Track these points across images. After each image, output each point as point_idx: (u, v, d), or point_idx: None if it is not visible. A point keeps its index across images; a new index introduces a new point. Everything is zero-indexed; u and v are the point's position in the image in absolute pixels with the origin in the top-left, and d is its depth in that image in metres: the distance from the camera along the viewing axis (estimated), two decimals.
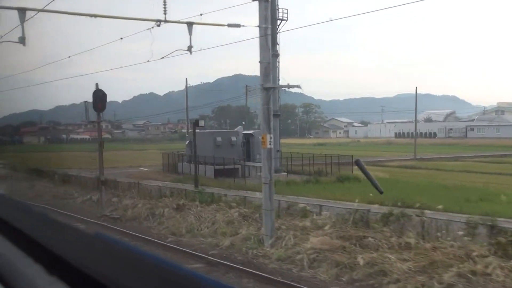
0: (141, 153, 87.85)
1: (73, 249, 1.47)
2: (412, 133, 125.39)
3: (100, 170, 26.60)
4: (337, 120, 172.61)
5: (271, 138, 17.12)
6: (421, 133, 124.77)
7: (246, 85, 66.94)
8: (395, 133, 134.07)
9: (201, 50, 20.22)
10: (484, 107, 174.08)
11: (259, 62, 17.24)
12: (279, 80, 38.51)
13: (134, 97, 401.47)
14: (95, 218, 24.58)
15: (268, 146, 17.07)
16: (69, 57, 32.17)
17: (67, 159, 61.33)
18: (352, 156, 40.70)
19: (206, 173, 42.00)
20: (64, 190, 34.23)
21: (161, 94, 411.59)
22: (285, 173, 41.03)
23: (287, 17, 41.57)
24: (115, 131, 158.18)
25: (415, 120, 79.55)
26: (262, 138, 17.29)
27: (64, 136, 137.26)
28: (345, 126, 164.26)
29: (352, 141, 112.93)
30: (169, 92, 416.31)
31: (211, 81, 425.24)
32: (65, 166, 48.82)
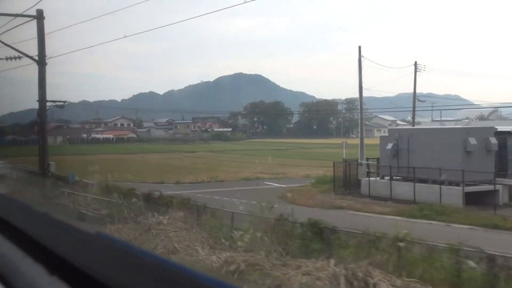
0: (199, 155, 73.60)
1: (74, 249, 1.47)
2: None
3: None
4: (380, 117, 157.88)
5: None
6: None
7: (416, 61, 50.95)
8: None
9: None
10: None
11: None
12: None
13: (134, 96, 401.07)
14: None
15: None
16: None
17: (136, 166, 51.05)
18: None
19: (444, 198, 27.00)
20: None
21: (161, 93, 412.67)
22: None
23: None
24: (139, 130, 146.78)
25: None
26: None
27: (85, 135, 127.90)
28: (389, 124, 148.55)
29: None
30: (169, 91, 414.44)
31: (212, 80, 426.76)
32: (151, 178, 37.60)
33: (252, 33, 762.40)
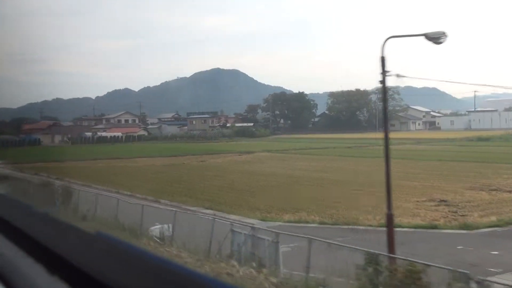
0: (269, 158, 54.12)
1: (74, 249, 1.47)
2: None
3: None
4: (413, 109, 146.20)
5: None
6: None
7: None
8: None
9: None
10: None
11: None
12: None
13: (108, 93, 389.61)
14: None
15: None
16: None
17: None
18: None
19: None
20: None
21: (136, 89, 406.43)
22: None
23: None
24: (149, 126, 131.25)
25: None
26: None
27: (89, 134, 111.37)
28: (423, 116, 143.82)
29: (508, 134, 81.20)
30: (144, 87, 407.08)
31: (188, 75, 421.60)
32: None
33: (225, 28, 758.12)
